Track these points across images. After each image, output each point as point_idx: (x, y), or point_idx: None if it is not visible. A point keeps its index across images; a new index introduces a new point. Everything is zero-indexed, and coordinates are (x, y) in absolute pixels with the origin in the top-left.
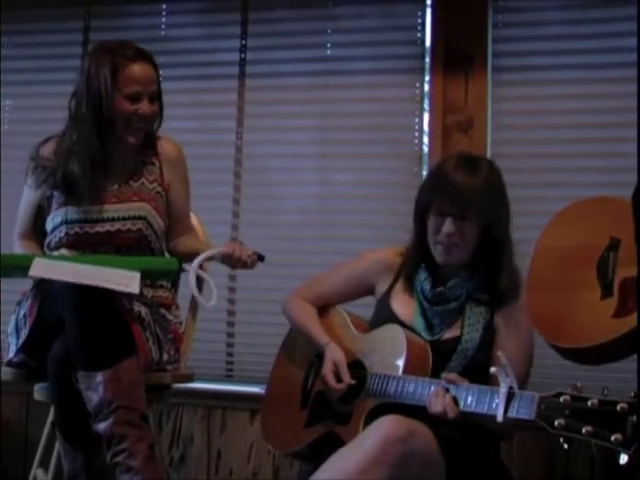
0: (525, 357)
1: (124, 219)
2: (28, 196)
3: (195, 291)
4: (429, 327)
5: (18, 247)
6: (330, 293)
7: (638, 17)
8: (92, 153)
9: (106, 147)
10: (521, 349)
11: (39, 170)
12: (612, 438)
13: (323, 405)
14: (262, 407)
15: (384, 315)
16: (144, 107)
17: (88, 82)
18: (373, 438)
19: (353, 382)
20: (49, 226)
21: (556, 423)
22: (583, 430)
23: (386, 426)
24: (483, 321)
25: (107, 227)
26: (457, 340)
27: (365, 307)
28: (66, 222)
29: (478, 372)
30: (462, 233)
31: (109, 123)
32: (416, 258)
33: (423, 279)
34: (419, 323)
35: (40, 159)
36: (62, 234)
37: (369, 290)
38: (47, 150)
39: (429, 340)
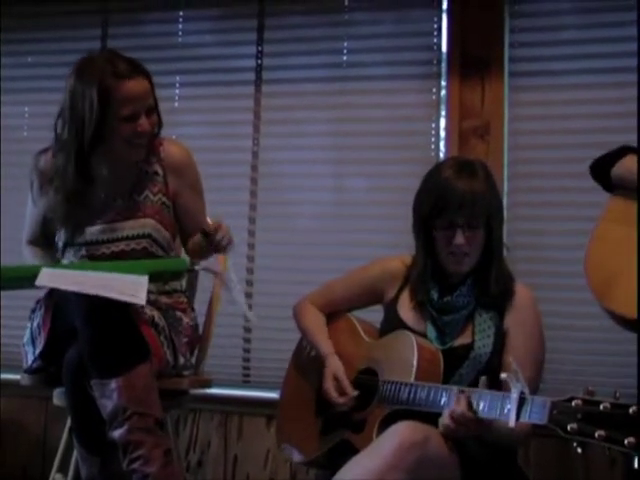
0: (535, 361)
1: (128, 238)
2: (32, 207)
3: (245, 307)
4: (441, 336)
5: (27, 252)
6: (340, 300)
7: (638, 24)
8: (66, 185)
9: (87, 175)
10: (531, 353)
11: (41, 181)
12: (625, 442)
13: (337, 413)
14: (277, 416)
15: (393, 323)
16: (143, 124)
17: (72, 105)
18: (388, 444)
19: (356, 394)
20: (58, 243)
21: (569, 428)
22: (596, 434)
23: (401, 432)
24: (494, 326)
25: (112, 248)
26: (469, 347)
27: (374, 313)
28: (72, 244)
29: (494, 378)
30: (471, 242)
31: (96, 149)
32: (425, 270)
33: (430, 288)
34: (431, 332)
35: (39, 170)
36: (70, 255)
37: (378, 298)
38: (44, 162)
39: (441, 349)
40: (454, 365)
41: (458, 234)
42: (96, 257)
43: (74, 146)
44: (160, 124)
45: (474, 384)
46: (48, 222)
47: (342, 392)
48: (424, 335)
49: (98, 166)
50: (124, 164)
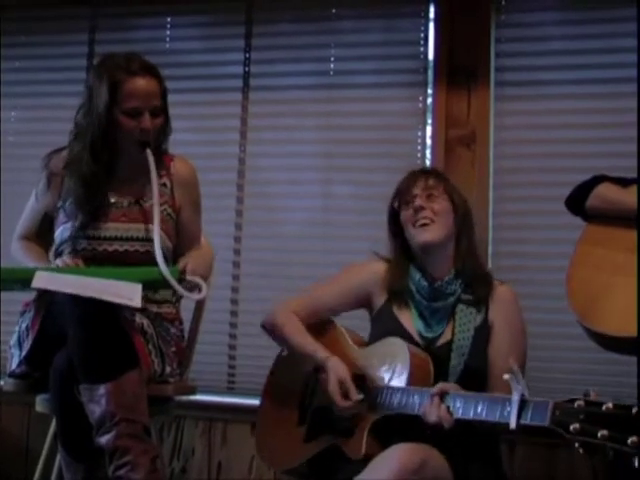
0: (521, 355)
1: (132, 240)
2: (34, 203)
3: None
4: (427, 325)
5: (16, 247)
6: (326, 307)
7: (638, 34)
8: (83, 170)
9: (102, 164)
10: (517, 349)
11: (50, 180)
12: (628, 441)
13: (323, 419)
14: (257, 424)
15: (389, 325)
16: (145, 122)
17: (89, 97)
18: (387, 469)
19: (361, 397)
20: (57, 238)
21: (571, 428)
22: (599, 434)
23: (399, 456)
24: (474, 322)
25: (115, 246)
26: (450, 343)
27: (355, 319)
28: (74, 237)
29: (475, 374)
30: (435, 210)
31: (108, 140)
32: (402, 263)
33: (418, 279)
34: (418, 324)
35: (50, 169)
36: (70, 249)
37: (365, 302)
38: (58, 160)
39: (430, 337)
40: (441, 364)
41: (417, 201)
42: (97, 253)
43: (89, 134)
44: (166, 132)
45: (461, 376)
46: (47, 219)
47: (346, 396)
48: (410, 329)
49: (110, 160)
50: (135, 167)
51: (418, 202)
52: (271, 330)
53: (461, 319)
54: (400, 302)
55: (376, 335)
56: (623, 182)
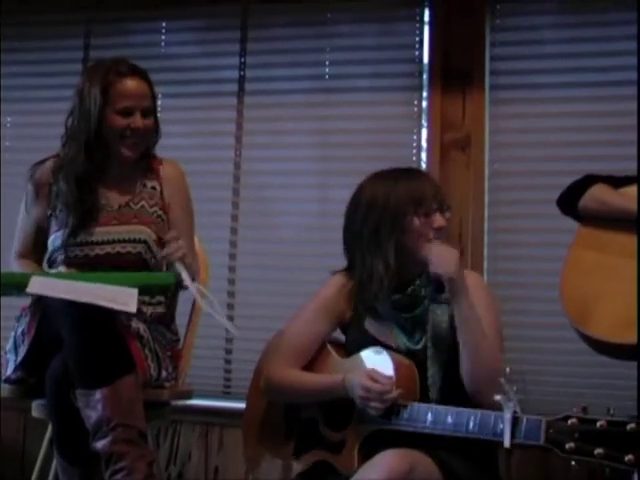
0: (498, 331)
1: (124, 241)
2: (25, 217)
3: (224, 320)
4: (410, 335)
5: (16, 266)
6: (309, 347)
7: (638, 37)
8: (77, 170)
9: (95, 165)
10: (493, 325)
11: (37, 190)
12: (625, 459)
13: (311, 433)
14: (244, 440)
15: (360, 338)
16: (136, 121)
17: (81, 100)
18: (375, 476)
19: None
20: (50, 247)
21: (567, 447)
22: (595, 452)
23: (387, 462)
24: (448, 319)
25: (107, 249)
26: (425, 347)
27: None
28: (66, 244)
29: (458, 371)
30: (447, 227)
31: (101, 141)
32: (390, 273)
33: (391, 290)
34: (400, 337)
35: (36, 180)
36: (62, 256)
37: (341, 319)
38: (44, 170)
39: (415, 348)
40: (421, 370)
41: (438, 217)
42: (90, 258)
43: (83, 136)
44: (157, 134)
45: (446, 380)
46: (41, 232)
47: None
48: (393, 344)
49: (102, 163)
50: (124, 170)
51: (440, 222)
52: (273, 391)
53: (434, 320)
54: (371, 315)
55: (351, 348)
56: (615, 182)
